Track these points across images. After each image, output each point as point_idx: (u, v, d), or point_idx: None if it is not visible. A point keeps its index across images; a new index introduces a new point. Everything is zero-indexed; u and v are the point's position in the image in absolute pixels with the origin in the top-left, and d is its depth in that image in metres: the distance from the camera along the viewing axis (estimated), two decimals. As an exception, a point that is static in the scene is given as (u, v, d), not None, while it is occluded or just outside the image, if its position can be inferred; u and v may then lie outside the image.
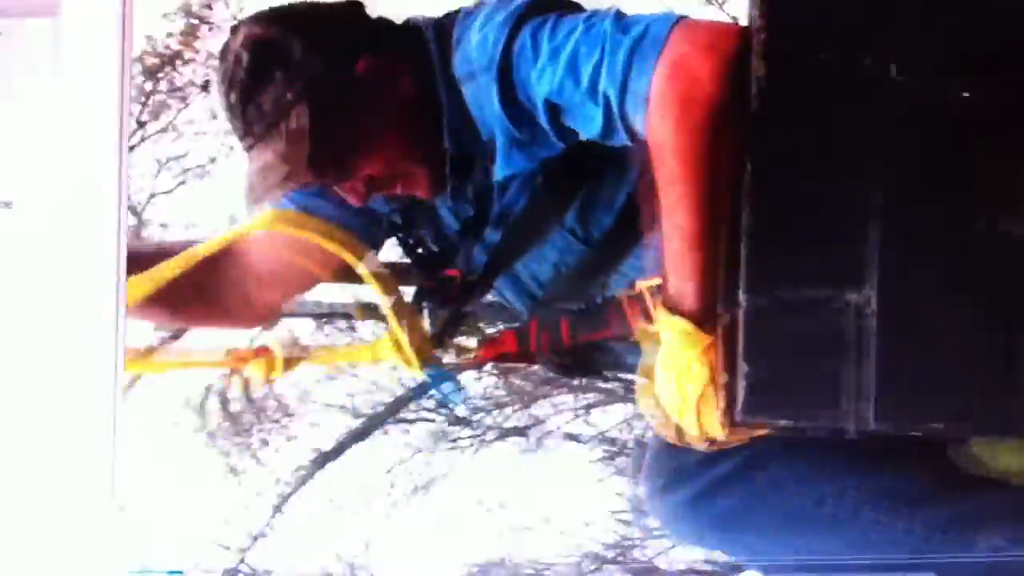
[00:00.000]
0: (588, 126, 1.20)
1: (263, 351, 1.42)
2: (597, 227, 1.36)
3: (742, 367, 1.10)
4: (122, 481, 1.19)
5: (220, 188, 2.82)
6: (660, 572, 2.49)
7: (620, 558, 2.54)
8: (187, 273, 1.36)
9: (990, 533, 1.30)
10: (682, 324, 1.14)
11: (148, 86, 2.78)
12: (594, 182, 1.34)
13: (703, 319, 1.14)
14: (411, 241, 1.45)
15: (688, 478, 1.35)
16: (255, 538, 2.49)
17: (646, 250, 1.32)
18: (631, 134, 1.18)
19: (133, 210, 2.80)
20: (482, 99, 1.26)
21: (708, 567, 2.47)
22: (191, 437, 2.52)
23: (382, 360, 1.41)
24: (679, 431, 1.18)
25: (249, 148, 1.30)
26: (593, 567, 2.54)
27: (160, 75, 2.83)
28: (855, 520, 1.32)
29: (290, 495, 2.49)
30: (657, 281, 1.22)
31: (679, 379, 1.15)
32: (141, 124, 2.73)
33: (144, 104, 2.78)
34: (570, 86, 1.18)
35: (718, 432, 1.15)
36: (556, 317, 1.40)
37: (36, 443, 1.20)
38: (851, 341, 1.09)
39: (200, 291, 1.45)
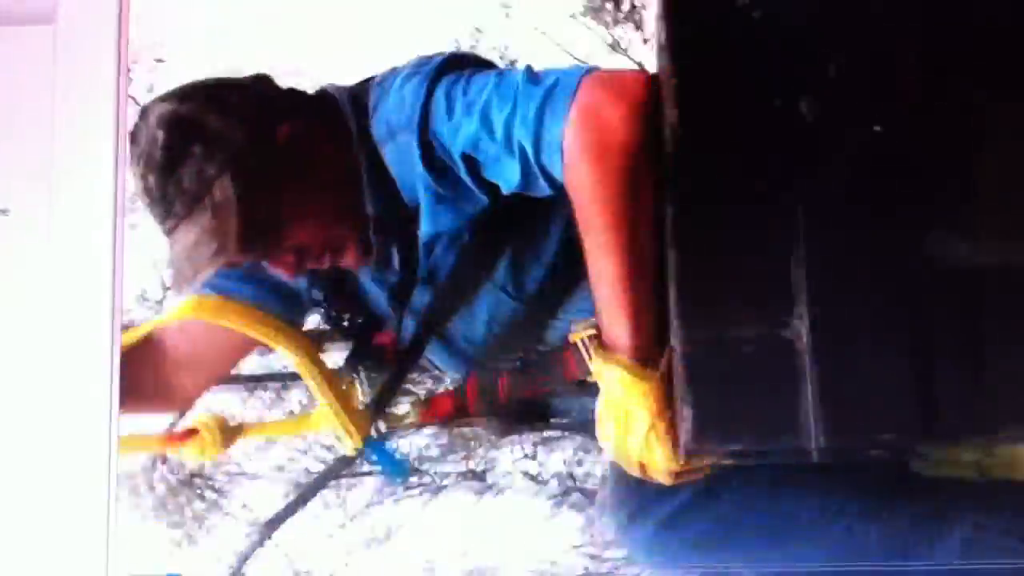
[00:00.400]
0: (507, 178, 1.20)
1: (192, 433, 1.41)
2: (529, 281, 1.35)
3: (685, 401, 1.11)
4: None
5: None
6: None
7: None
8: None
9: (959, 525, 1.29)
10: (618, 370, 1.14)
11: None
12: (522, 236, 1.33)
13: (643, 357, 1.14)
14: (334, 314, 1.43)
15: (653, 507, 1.33)
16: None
17: (580, 300, 1.32)
18: (551, 183, 1.18)
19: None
20: (403, 158, 1.25)
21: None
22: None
23: (320, 431, 1.40)
24: (641, 467, 1.18)
25: (172, 230, 1.27)
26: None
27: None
28: (827, 531, 1.30)
29: (243, 564, 2.45)
30: (591, 331, 1.22)
31: (618, 428, 1.16)
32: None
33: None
34: (485, 138, 1.19)
35: (672, 466, 1.15)
36: (493, 375, 1.39)
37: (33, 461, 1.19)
38: (787, 372, 1.10)
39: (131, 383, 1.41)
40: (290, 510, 2.42)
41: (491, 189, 1.24)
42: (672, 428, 1.13)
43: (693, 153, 1.11)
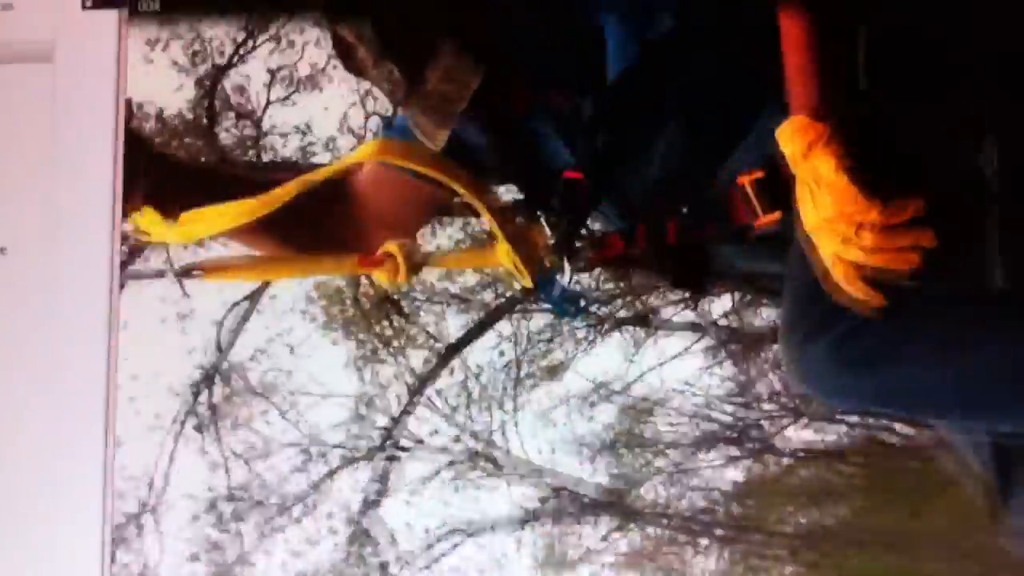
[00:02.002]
0: None
1: (387, 257, 1.50)
2: (702, 119, 1.39)
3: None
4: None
5: (331, 96, 2.92)
6: (776, 450, 2.57)
7: (738, 437, 2.63)
8: (296, 201, 1.41)
9: None
10: (795, 125, 1.17)
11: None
12: (694, 72, 1.38)
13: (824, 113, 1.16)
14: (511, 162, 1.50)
15: (829, 325, 1.27)
16: (396, 419, 2.64)
17: (750, 146, 1.36)
18: None
19: (253, 119, 2.92)
20: None
21: (821, 445, 2.54)
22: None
23: (504, 265, 1.47)
24: (835, 286, 1.18)
25: (408, 95, 1.36)
26: (710, 447, 2.63)
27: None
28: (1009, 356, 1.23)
29: (422, 384, 2.64)
30: (760, 174, 1.27)
31: (805, 190, 1.18)
32: (251, 33, 2.83)
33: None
34: None
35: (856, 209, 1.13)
36: (663, 218, 1.44)
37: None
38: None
39: (311, 222, 1.51)
40: (470, 337, 2.57)
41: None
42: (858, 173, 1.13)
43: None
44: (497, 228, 1.44)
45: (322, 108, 2.86)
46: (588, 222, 1.48)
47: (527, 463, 2.61)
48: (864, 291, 1.19)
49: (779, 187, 1.30)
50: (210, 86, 2.90)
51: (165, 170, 1.37)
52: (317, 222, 1.52)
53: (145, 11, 1.30)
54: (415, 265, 1.51)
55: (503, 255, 1.47)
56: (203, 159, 2.82)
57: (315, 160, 2.79)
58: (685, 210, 1.44)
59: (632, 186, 1.46)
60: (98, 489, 1.28)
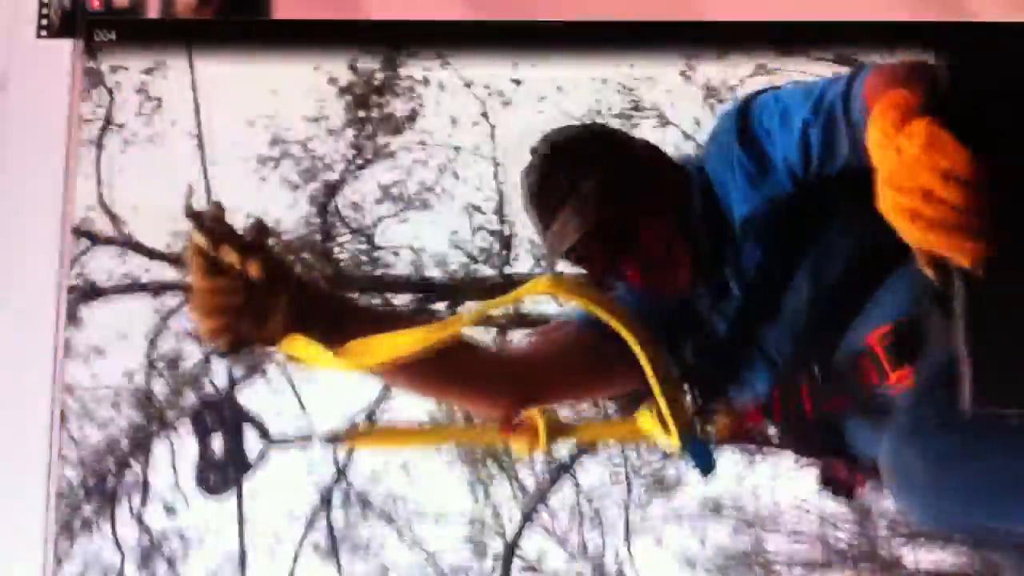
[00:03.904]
0: (821, 143, 1.33)
1: (527, 424, 1.51)
2: (830, 277, 1.41)
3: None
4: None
5: (439, 214, 2.98)
6: (895, 572, 2.53)
7: (855, 557, 2.59)
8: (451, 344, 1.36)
9: None
10: (891, 100, 1.07)
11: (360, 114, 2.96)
12: (822, 230, 1.41)
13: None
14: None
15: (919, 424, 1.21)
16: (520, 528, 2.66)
17: (877, 305, 1.36)
18: (853, 142, 1.28)
19: (367, 236, 3.00)
20: (721, 154, 1.45)
21: (945, 566, 2.50)
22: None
23: (646, 436, 1.47)
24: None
25: (548, 224, 1.49)
26: (827, 567, 2.60)
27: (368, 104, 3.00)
28: None
29: (540, 499, 2.66)
30: (887, 329, 1.28)
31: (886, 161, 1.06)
32: (359, 149, 2.92)
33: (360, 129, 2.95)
34: (796, 105, 1.35)
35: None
36: (796, 383, 1.44)
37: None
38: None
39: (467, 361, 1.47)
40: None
41: (793, 175, 1.37)
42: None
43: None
44: (656, 383, 1.42)
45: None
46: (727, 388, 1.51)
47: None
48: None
49: (908, 342, 1.30)
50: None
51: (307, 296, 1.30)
52: (476, 360, 1.50)
53: (101, 40, 1.29)
54: (555, 434, 1.53)
55: (645, 423, 1.48)
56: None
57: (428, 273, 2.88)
58: (818, 372, 1.43)
59: (768, 341, 1.48)
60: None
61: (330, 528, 2.66)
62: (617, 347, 1.41)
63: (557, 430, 1.53)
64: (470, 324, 1.32)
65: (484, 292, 2.81)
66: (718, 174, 1.46)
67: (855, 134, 1.26)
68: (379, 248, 2.97)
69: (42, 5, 1.33)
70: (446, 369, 1.40)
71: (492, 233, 2.92)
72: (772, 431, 1.49)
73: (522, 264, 2.84)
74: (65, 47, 1.21)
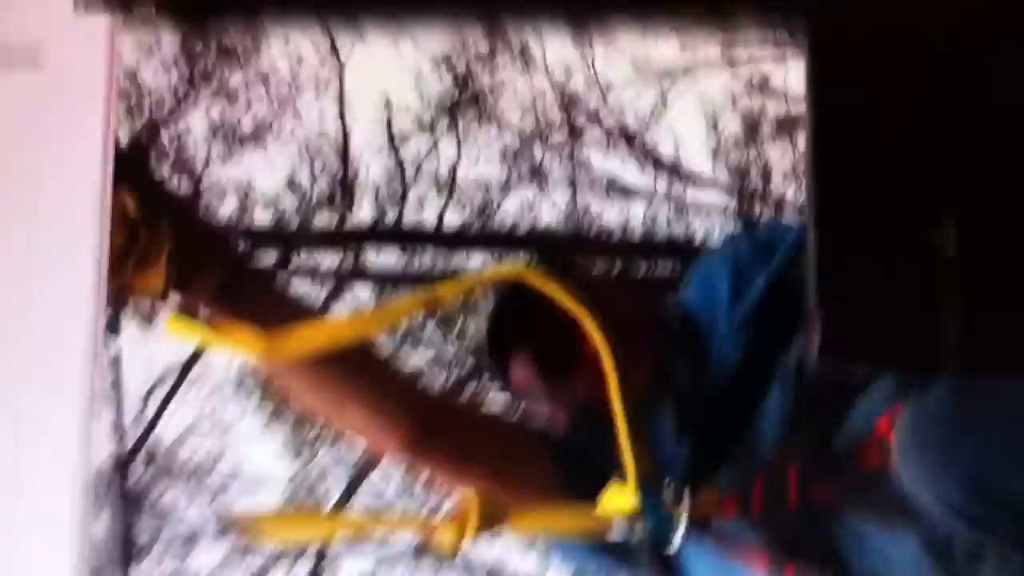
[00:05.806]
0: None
1: (458, 515, 1.23)
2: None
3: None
4: None
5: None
6: None
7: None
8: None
9: None
10: None
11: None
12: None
13: None
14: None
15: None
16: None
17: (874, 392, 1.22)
18: None
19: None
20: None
21: None
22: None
23: (612, 525, 1.25)
24: None
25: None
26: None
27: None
28: None
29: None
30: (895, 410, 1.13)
31: None
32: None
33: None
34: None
35: None
36: (782, 467, 1.27)
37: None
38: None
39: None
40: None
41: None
42: None
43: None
44: (619, 403, 1.24)
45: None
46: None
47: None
48: None
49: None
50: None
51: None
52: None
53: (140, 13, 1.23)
54: (489, 522, 1.24)
55: (613, 510, 1.25)
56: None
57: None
58: (809, 452, 1.28)
59: (752, 443, 1.32)
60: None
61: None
62: (550, 463, 1.36)
63: (493, 516, 1.24)
64: (421, 307, 1.27)
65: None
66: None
67: None
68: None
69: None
70: (354, 372, 1.29)
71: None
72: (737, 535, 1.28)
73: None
74: (102, 21, 1.18)
